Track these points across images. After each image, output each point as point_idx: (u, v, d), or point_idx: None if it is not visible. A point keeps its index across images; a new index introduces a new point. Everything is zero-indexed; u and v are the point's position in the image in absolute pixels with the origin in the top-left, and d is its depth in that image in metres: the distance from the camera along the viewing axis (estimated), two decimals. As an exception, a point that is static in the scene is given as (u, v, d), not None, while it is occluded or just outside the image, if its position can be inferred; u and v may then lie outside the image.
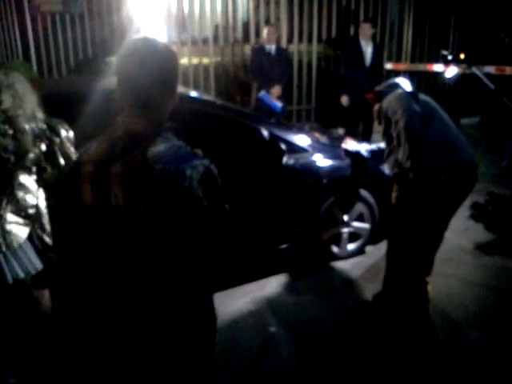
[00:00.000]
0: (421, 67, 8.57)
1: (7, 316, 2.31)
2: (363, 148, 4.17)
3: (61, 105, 2.71)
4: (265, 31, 6.57)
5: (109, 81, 4.59)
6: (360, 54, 6.51)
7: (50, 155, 2.28)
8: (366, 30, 6.55)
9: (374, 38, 6.77)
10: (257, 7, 8.44)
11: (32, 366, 2.42)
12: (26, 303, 2.31)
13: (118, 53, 1.53)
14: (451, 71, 4.35)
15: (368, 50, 6.53)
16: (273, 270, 4.07)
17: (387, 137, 3.23)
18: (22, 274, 2.21)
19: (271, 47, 6.49)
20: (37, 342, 2.39)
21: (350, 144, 4.13)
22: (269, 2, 8.38)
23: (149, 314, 1.63)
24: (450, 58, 4.31)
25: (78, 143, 2.36)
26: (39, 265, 2.29)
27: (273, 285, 3.90)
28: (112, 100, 3.20)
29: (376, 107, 3.41)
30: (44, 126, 2.27)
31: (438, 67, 7.93)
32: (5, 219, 2.19)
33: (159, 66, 1.51)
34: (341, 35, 8.81)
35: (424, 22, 9.01)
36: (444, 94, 8.92)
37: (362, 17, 8.63)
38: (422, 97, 3.25)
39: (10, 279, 2.17)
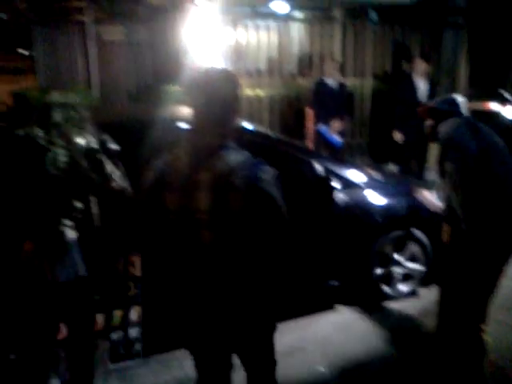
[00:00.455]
0: (477, 106, 8.40)
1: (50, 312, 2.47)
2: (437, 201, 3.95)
3: (118, 131, 2.84)
4: (325, 65, 6.61)
5: (164, 109, 4.73)
6: (413, 90, 6.46)
7: (98, 166, 2.44)
8: (419, 65, 6.51)
9: (428, 74, 6.71)
10: (311, 41, 8.53)
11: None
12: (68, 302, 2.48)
13: (191, 83, 1.87)
14: (510, 111, 4.23)
15: (422, 86, 6.48)
16: (322, 307, 4.01)
17: (441, 169, 3.01)
18: (63, 277, 2.36)
19: (333, 81, 6.51)
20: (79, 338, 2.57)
21: (426, 197, 3.89)
22: (323, 35, 8.46)
23: (222, 298, 1.88)
24: (507, 96, 4.19)
25: (131, 166, 2.53)
26: (83, 271, 2.43)
27: (322, 322, 3.83)
28: (165, 127, 3.31)
29: (428, 122, 3.18)
30: (93, 140, 2.44)
31: (495, 106, 7.76)
32: (59, 221, 2.34)
33: (225, 93, 1.83)
34: (395, 70, 8.77)
35: (480, 59, 8.87)
36: (502, 135, 8.68)
37: (416, 52, 8.58)
38: (482, 127, 3.03)
39: (62, 278, 2.37)
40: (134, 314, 3.30)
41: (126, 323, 3.28)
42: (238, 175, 1.73)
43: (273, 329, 2.15)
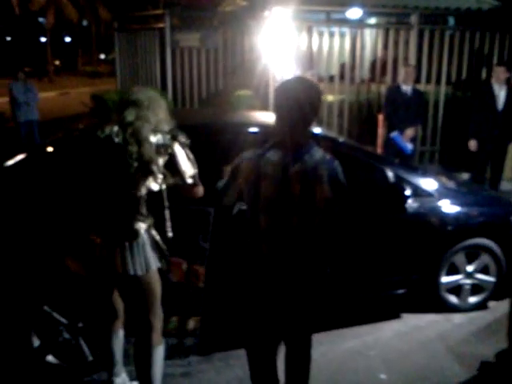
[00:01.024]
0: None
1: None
2: None
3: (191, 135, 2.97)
4: (402, 71, 6.51)
5: (234, 114, 4.84)
6: (492, 97, 6.24)
7: (171, 163, 2.52)
8: (499, 73, 6.28)
9: (507, 82, 6.47)
10: (385, 47, 8.44)
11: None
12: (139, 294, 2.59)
13: (278, 89, 2.15)
14: None
15: (501, 93, 6.25)
16: (387, 315, 3.96)
17: None
18: (132, 271, 2.49)
19: (408, 88, 6.40)
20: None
21: None
22: (398, 41, 8.35)
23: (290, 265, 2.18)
24: None
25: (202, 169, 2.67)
26: (153, 265, 2.55)
27: (386, 330, 3.79)
28: (231, 132, 3.37)
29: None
30: (168, 137, 2.50)
31: None
32: (133, 217, 2.46)
33: (309, 100, 2.09)
34: (472, 78, 8.50)
35: None
36: None
37: (495, 60, 8.28)
38: None
39: (131, 272, 2.48)
40: (192, 323, 3.28)
41: (181, 331, 3.26)
42: (322, 168, 2.06)
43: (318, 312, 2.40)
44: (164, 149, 2.49)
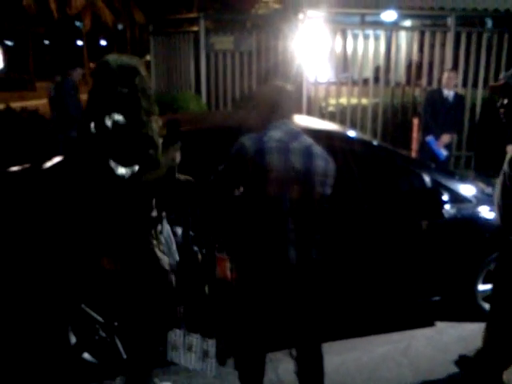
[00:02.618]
0: None
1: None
2: None
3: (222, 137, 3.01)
4: (445, 75, 6.39)
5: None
6: (532, 101, 6.07)
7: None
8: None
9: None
10: (420, 49, 8.33)
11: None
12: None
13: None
14: None
15: (543, 97, 6.07)
16: (421, 322, 3.90)
17: None
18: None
19: (449, 92, 6.28)
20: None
21: None
22: (434, 44, 8.23)
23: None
24: None
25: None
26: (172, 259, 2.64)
27: (419, 337, 3.73)
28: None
29: (505, 101, 2.81)
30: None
31: None
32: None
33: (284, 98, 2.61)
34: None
35: None
36: None
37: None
38: None
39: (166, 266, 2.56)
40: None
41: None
42: (315, 148, 2.48)
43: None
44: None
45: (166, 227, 2.73)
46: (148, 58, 15.58)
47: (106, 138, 2.32)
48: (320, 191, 2.46)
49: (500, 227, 2.75)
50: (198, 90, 8.63)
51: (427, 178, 3.53)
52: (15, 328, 3.21)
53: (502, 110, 2.82)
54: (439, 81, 7.65)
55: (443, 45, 8.17)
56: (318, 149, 2.51)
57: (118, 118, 2.31)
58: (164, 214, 2.66)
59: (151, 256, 2.50)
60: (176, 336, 2.81)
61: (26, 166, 3.60)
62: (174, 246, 2.79)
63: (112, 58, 2.38)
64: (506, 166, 2.68)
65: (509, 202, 2.65)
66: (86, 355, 3.15)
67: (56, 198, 3.11)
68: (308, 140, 2.53)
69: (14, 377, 3.18)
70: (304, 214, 2.45)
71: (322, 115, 8.00)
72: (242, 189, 2.56)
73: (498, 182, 2.72)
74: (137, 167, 2.34)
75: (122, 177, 2.32)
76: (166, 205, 2.63)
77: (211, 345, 2.75)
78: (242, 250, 2.52)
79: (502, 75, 2.86)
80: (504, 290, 2.77)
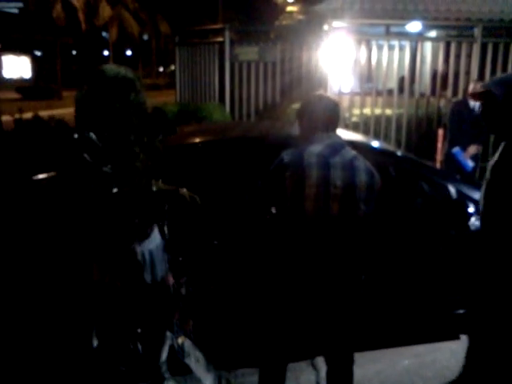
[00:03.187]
0: None
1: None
2: None
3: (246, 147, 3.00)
4: (471, 86, 6.33)
5: (286, 126, 4.85)
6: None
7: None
8: None
9: None
10: (446, 60, 8.27)
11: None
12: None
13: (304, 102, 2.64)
14: None
15: None
16: (446, 336, 3.84)
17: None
18: (148, 278, 2.36)
19: (475, 104, 6.21)
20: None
21: None
22: (460, 54, 8.16)
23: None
24: None
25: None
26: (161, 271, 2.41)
27: (444, 350, 3.67)
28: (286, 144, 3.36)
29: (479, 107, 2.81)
30: None
31: None
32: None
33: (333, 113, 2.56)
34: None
35: None
36: None
37: None
38: None
39: (148, 280, 2.37)
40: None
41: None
42: (358, 162, 2.42)
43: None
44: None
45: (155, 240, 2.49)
46: (173, 67, 15.77)
47: (88, 151, 2.20)
48: (363, 208, 2.39)
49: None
50: (221, 100, 8.70)
51: (453, 190, 3.49)
52: (40, 330, 3.25)
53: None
54: (465, 92, 7.58)
55: (469, 55, 8.10)
56: (361, 162, 2.44)
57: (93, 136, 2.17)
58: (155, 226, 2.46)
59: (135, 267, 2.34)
60: (185, 343, 2.81)
61: (52, 173, 3.66)
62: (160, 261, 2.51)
63: (109, 67, 2.21)
64: (488, 174, 2.49)
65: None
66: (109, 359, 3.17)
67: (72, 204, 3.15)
68: (351, 153, 2.46)
69: (38, 379, 3.22)
70: (346, 233, 2.39)
71: (346, 125, 7.99)
72: (274, 210, 2.54)
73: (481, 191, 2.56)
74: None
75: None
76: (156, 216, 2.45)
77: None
78: (279, 267, 2.49)
79: (482, 83, 2.87)
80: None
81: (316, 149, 2.41)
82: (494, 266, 2.47)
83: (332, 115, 2.54)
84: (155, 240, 2.43)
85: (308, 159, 2.39)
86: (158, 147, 2.37)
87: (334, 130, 2.54)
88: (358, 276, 2.45)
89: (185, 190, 2.48)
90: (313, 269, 2.39)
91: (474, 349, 2.74)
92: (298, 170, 2.38)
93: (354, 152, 2.47)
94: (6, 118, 8.55)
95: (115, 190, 2.22)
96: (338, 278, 2.40)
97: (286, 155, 2.45)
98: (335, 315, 2.48)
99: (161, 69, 48.17)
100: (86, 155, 2.20)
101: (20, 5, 8.93)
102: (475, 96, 2.93)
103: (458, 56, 8.15)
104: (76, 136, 2.23)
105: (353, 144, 3.74)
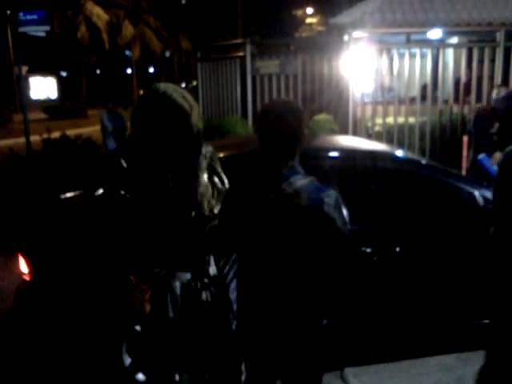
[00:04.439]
0: None
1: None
2: None
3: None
4: (495, 91, 6.26)
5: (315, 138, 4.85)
6: None
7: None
8: None
9: None
10: (468, 66, 8.20)
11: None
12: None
13: (259, 115, 2.06)
14: None
15: None
16: (475, 346, 3.77)
17: None
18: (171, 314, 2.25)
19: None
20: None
21: None
22: (483, 60, 8.08)
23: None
24: None
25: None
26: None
27: (474, 362, 3.60)
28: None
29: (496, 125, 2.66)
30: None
31: None
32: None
33: (289, 124, 1.95)
34: None
35: None
36: None
37: None
38: None
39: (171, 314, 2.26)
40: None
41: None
42: (301, 197, 1.84)
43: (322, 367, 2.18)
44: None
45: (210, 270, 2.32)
46: (195, 83, 15.94)
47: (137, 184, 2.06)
48: (312, 257, 1.89)
49: None
50: (244, 114, 8.78)
51: (480, 197, 3.45)
52: (69, 350, 3.30)
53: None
54: (488, 97, 7.49)
55: (492, 60, 8.02)
56: (310, 197, 1.86)
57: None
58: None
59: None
60: None
61: (79, 192, 3.72)
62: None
63: (165, 86, 2.04)
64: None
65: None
66: (140, 376, 3.20)
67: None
68: (298, 183, 1.88)
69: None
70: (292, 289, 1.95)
71: (369, 135, 7.96)
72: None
73: None
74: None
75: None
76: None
77: None
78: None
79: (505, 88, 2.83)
80: None
81: (253, 185, 2.00)
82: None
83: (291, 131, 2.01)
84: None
85: (245, 198, 2.01)
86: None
87: (289, 151, 1.98)
88: (318, 321, 2.03)
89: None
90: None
91: (492, 360, 2.60)
92: (235, 213, 2.04)
93: (304, 182, 1.92)
94: (35, 138, 8.77)
95: (167, 218, 2.06)
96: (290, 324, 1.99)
97: (228, 191, 2.18)
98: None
99: (183, 84, 48.69)
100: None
101: (47, 28, 9.26)
102: (488, 112, 2.96)
103: (480, 61, 8.07)
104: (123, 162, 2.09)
105: (376, 154, 3.77)
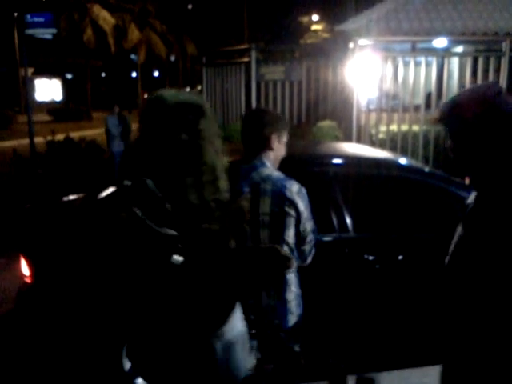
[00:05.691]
0: None
1: None
2: None
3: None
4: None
5: (319, 145, 4.85)
6: None
7: None
8: None
9: None
10: (473, 75, 8.20)
11: None
12: None
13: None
14: None
15: None
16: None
17: None
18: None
19: None
20: None
21: None
22: (488, 69, 8.08)
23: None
24: None
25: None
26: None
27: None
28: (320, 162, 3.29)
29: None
30: None
31: None
32: None
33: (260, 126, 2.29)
34: None
35: None
36: None
37: None
38: None
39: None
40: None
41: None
42: (267, 184, 2.16)
43: None
44: None
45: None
46: (199, 87, 15.98)
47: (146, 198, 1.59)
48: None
49: None
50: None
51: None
52: (69, 353, 3.29)
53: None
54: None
55: (497, 70, 8.02)
56: (274, 183, 2.17)
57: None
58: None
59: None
60: None
61: (82, 195, 3.72)
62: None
63: (169, 93, 1.67)
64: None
65: None
66: (140, 381, 3.18)
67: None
68: (264, 173, 2.21)
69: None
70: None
71: (373, 142, 7.96)
72: None
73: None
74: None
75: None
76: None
77: None
78: None
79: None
80: None
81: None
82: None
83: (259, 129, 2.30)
84: (236, 327, 1.76)
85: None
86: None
87: (258, 145, 2.27)
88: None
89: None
90: None
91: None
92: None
93: (269, 172, 2.21)
94: (38, 139, 8.79)
95: (181, 259, 1.56)
96: None
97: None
98: None
99: (187, 89, 48.86)
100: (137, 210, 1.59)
101: (54, 30, 9.31)
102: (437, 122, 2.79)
103: (485, 71, 8.07)
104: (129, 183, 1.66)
105: (380, 161, 3.76)
